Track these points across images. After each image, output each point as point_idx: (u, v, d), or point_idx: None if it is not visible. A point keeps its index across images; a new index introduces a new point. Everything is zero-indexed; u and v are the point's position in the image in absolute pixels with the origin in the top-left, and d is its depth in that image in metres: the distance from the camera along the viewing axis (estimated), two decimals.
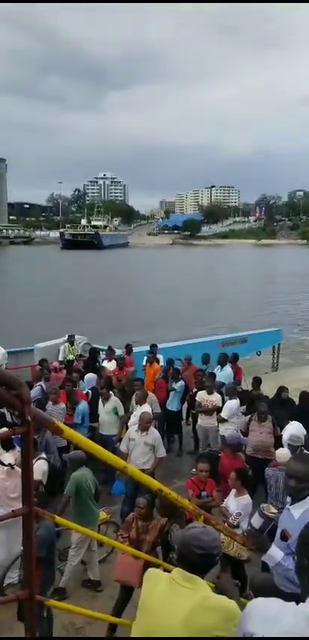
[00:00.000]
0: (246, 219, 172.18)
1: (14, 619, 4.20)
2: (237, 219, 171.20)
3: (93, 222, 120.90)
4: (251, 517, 4.38)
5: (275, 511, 3.95)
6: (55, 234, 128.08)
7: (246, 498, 5.44)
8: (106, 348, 11.80)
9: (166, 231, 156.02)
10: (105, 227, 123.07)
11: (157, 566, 3.26)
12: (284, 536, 3.34)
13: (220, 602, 1.89)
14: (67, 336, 12.67)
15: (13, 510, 1.77)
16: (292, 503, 3.42)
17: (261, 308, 33.82)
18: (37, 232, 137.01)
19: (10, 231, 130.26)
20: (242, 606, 2.55)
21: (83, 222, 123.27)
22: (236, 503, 5.40)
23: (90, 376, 9.82)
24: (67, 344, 12.44)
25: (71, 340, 12.50)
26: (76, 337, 12.79)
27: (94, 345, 12.64)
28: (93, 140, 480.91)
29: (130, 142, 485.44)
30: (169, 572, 2.07)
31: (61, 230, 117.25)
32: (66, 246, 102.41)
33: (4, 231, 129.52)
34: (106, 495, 7.36)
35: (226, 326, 24.69)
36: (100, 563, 5.88)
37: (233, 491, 5.57)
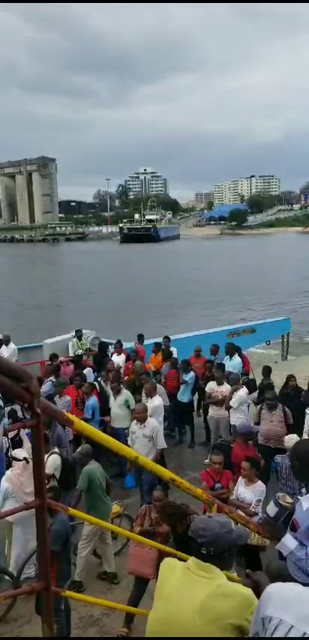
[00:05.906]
0: (290, 207, 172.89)
1: (33, 612, 4.25)
2: (281, 207, 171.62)
3: (147, 217, 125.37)
4: (266, 505, 4.37)
5: (290, 500, 3.93)
6: (107, 229, 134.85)
7: (261, 484, 5.46)
8: (114, 341, 11.81)
9: (212, 222, 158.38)
10: (160, 220, 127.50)
11: (172, 555, 3.26)
12: (293, 526, 3.33)
13: (235, 589, 1.86)
14: (74, 331, 12.70)
15: (26, 503, 1.77)
16: (306, 493, 3.40)
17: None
18: (90, 228, 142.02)
19: (63, 228, 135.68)
20: None
21: (137, 216, 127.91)
22: (252, 491, 5.39)
23: (88, 370, 9.88)
24: (75, 339, 12.47)
25: (79, 335, 12.53)
26: (84, 332, 12.82)
27: (103, 339, 12.66)
28: (125, 135, 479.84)
29: (160, 135, 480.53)
30: (185, 561, 2.06)
31: (120, 225, 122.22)
32: (125, 240, 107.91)
33: (58, 228, 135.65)
34: (119, 489, 7.38)
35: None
36: (115, 555, 5.91)
37: (241, 480, 5.54)
